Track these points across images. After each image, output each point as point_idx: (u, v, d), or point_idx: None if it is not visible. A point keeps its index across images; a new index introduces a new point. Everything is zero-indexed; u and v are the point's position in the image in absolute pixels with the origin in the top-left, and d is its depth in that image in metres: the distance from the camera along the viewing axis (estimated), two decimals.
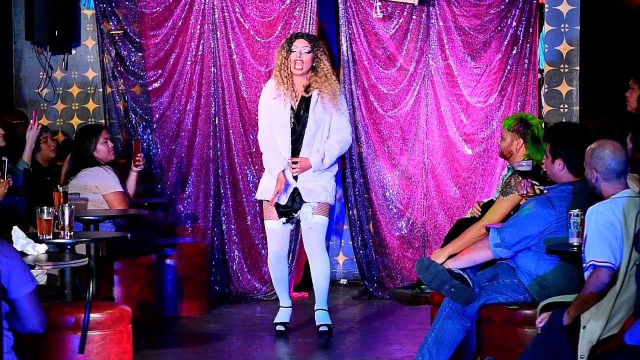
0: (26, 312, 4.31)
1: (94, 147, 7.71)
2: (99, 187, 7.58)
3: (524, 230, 5.68)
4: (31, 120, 8.02)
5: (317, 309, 7.41)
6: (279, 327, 7.56)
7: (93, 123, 9.15)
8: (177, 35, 8.97)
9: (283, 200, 7.27)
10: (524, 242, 5.69)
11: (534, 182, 6.38)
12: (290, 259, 8.73)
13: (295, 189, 7.28)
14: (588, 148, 5.16)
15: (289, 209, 7.31)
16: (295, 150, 7.27)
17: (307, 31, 8.75)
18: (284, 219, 7.32)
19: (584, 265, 5.02)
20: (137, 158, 7.91)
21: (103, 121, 9.16)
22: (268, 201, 7.32)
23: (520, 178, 6.33)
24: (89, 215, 7.22)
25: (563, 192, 5.66)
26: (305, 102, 7.27)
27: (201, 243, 8.62)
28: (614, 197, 5.03)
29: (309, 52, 7.21)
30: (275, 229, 7.36)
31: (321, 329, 7.33)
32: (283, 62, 7.24)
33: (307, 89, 7.29)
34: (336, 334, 7.56)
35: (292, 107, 7.25)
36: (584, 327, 4.93)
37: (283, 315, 7.59)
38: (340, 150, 7.37)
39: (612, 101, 8.32)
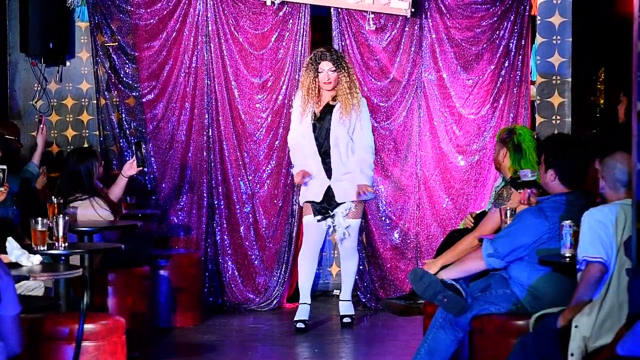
0: (9, 332, 4.37)
1: (97, 174, 7.67)
2: (94, 221, 7.57)
3: (516, 240, 5.70)
4: (41, 125, 8.27)
5: (342, 300, 8.12)
6: (299, 325, 7.99)
7: (86, 147, 8.92)
8: (171, 47, 9.00)
9: (318, 199, 7.91)
10: (516, 252, 5.71)
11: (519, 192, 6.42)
12: (284, 269, 8.76)
13: (329, 188, 7.91)
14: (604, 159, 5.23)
15: (324, 208, 7.91)
16: (321, 150, 7.93)
17: (300, 43, 8.80)
18: (319, 217, 7.92)
19: (577, 265, 5.07)
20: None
21: (97, 133, 9.17)
22: (307, 202, 7.98)
23: (512, 189, 6.39)
24: (83, 227, 7.23)
25: (555, 202, 5.68)
26: (329, 108, 7.97)
27: (195, 254, 8.63)
28: (612, 203, 5.10)
29: (334, 72, 7.91)
30: (313, 223, 7.95)
31: (345, 320, 8.07)
32: (312, 82, 7.92)
33: (334, 98, 8.00)
34: (330, 344, 7.59)
35: (314, 113, 7.96)
36: (576, 327, 4.97)
37: (302, 312, 8.03)
38: (372, 157, 8.05)
39: (603, 113, 8.37)
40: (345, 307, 8.13)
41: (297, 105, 8.05)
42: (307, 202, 7.99)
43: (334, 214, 7.93)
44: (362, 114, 7.98)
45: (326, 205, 7.93)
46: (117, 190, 7.90)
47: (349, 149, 7.95)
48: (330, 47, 8.24)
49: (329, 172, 7.93)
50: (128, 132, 9.04)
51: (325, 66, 7.90)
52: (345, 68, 7.96)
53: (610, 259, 5.00)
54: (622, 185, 5.14)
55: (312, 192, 7.97)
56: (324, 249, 9.34)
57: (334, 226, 7.96)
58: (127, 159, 8.95)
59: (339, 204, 7.92)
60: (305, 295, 8.04)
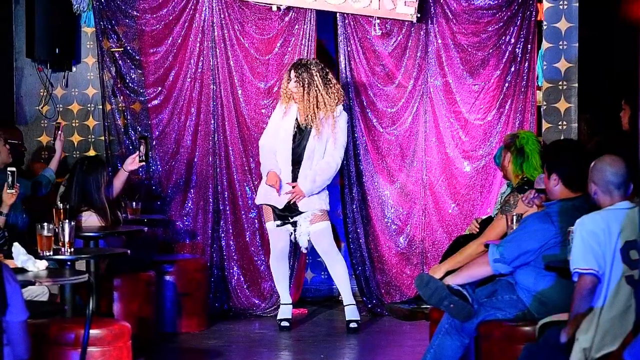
0: (17, 338, 4.37)
1: (105, 184, 7.63)
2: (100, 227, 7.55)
3: (523, 245, 5.69)
4: (59, 132, 8.32)
5: (345, 305, 8.18)
6: (284, 323, 8.19)
7: (94, 156, 8.81)
8: (177, 52, 9.00)
9: (280, 205, 8.06)
10: (523, 257, 5.70)
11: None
12: (289, 275, 8.71)
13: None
14: (592, 163, 5.22)
15: (285, 214, 8.06)
16: (295, 160, 8.08)
17: (305, 49, 8.80)
18: (278, 222, 8.07)
19: (572, 277, 5.08)
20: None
21: (103, 138, 9.17)
22: (267, 205, 8.15)
23: (519, 196, 6.39)
24: (89, 232, 7.22)
25: (562, 207, 5.68)
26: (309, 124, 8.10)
27: (200, 259, 8.63)
28: (604, 209, 5.09)
29: (295, 83, 8.02)
30: (275, 229, 8.15)
31: (351, 325, 8.11)
32: (286, 86, 8.10)
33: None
34: (335, 350, 7.59)
35: (297, 119, 8.08)
36: (577, 339, 4.96)
37: (285, 311, 8.24)
38: (334, 172, 8.13)
39: (610, 119, 8.35)
40: (350, 312, 8.17)
41: (279, 109, 8.22)
42: (267, 205, 8.15)
43: (294, 222, 8.10)
44: (336, 129, 8.05)
45: (287, 213, 8.09)
46: (117, 184, 7.91)
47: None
48: (305, 60, 8.28)
49: (295, 179, 8.09)
50: (134, 137, 9.04)
51: (292, 75, 8.07)
52: (309, 84, 7.99)
53: (604, 268, 4.98)
54: (615, 188, 5.13)
55: (275, 197, 8.11)
56: None
57: (294, 234, 8.13)
58: None
59: (300, 212, 8.08)
60: (284, 296, 8.28)
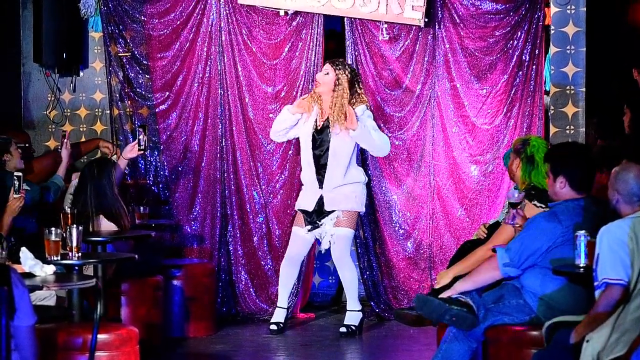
0: (24, 342, 4.38)
1: (116, 182, 7.63)
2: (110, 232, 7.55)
3: (531, 246, 5.70)
4: (65, 140, 8.27)
5: (347, 310, 8.16)
6: (272, 327, 8.17)
7: (101, 157, 8.64)
8: (184, 57, 9.00)
9: (310, 208, 8.04)
10: (531, 258, 5.71)
11: (538, 204, 6.38)
12: (296, 279, 8.68)
13: (321, 197, 8.02)
14: (613, 170, 5.23)
15: (314, 218, 8.03)
16: (319, 164, 8.06)
17: (313, 53, 8.80)
18: (309, 227, 8.04)
19: (596, 283, 5.05)
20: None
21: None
22: (301, 211, 8.15)
23: (526, 200, 6.37)
24: (96, 237, 7.23)
25: (568, 207, 5.69)
26: (329, 122, 8.04)
27: (208, 264, 8.63)
28: (627, 217, 5.09)
29: (327, 74, 7.99)
30: (299, 235, 8.14)
31: (341, 329, 8.09)
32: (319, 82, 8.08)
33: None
34: (342, 354, 7.57)
35: (316, 122, 8.06)
36: (587, 341, 4.95)
37: (278, 315, 8.22)
38: (382, 141, 8.07)
39: (618, 123, 8.35)
40: (348, 317, 8.17)
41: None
42: (299, 210, 8.19)
43: (322, 224, 8.06)
44: (362, 122, 7.95)
45: (315, 217, 8.07)
46: (117, 173, 7.88)
47: (351, 163, 8.04)
48: (344, 60, 8.29)
49: (321, 182, 8.07)
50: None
51: (325, 67, 8.08)
52: (343, 77, 7.95)
53: (631, 276, 4.97)
54: (638, 199, 5.13)
55: (305, 200, 8.17)
56: None
57: (320, 235, 8.09)
58: (141, 169, 8.97)
59: (328, 213, 8.04)
60: (282, 300, 8.25)
